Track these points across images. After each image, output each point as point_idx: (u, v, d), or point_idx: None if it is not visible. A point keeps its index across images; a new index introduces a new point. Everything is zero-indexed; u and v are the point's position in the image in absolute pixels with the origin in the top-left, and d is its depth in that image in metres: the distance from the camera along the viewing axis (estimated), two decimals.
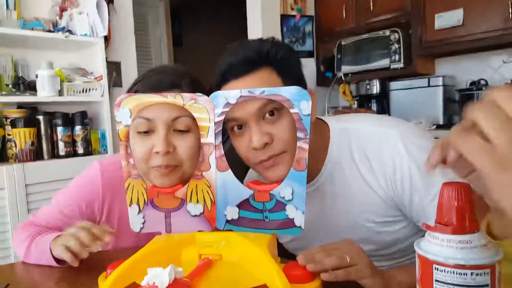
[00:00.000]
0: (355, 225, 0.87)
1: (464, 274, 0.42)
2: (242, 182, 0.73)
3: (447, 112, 2.80)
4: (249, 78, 0.77)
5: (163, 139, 0.74)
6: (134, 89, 0.83)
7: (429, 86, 2.83)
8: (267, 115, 0.74)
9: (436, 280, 0.44)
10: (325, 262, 0.61)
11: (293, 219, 0.69)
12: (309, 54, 3.36)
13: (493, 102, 0.32)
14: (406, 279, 0.67)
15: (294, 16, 3.24)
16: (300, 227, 0.69)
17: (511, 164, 0.31)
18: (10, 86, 2.12)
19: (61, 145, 2.18)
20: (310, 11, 3.37)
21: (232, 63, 0.78)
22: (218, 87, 0.81)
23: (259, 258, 0.62)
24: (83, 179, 0.98)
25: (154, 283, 0.51)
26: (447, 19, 2.63)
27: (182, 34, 5.00)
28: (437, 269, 0.43)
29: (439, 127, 2.70)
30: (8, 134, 2.06)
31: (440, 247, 0.44)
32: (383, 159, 0.82)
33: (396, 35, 2.88)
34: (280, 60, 0.78)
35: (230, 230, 0.73)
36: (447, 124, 2.79)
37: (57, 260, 0.83)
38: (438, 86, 2.79)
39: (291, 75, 0.79)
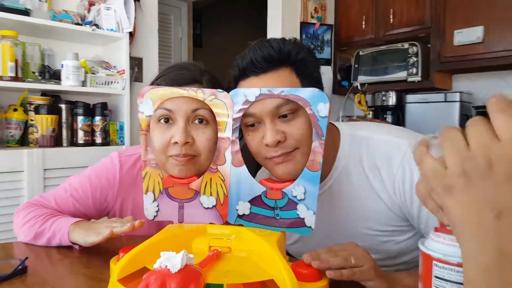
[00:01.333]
0: (359, 233, 0.87)
1: (461, 272, 0.43)
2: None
3: (462, 127, 2.77)
4: (269, 76, 0.78)
5: (183, 130, 0.77)
6: (156, 83, 0.86)
7: (445, 101, 2.81)
8: (282, 115, 0.75)
9: (435, 277, 0.45)
10: (330, 260, 0.62)
11: (303, 218, 0.70)
12: (327, 62, 3.38)
13: (460, 131, 0.36)
14: (411, 283, 0.68)
15: (313, 24, 3.26)
16: (310, 227, 0.70)
17: (455, 190, 0.34)
18: (36, 74, 2.19)
19: (80, 133, 2.24)
20: (330, 20, 3.39)
21: (254, 59, 0.78)
22: (236, 82, 0.82)
23: (268, 253, 0.63)
24: (101, 167, 0.99)
25: (166, 266, 0.53)
26: (466, 35, 2.62)
27: (202, 35, 5.06)
28: (437, 266, 0.45)
29: None
30: (31, 120, 2.13)
31: (442, 245, 0.45)
32: (392, 167, 0.82)
33: (415, 48, 2.88)
34: (300, 61, 0.79)
35: (241, 225, 0.75)
36: None
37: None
38: (455, 101, 2.76)
39: (310, 78, 0.80)
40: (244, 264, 0.65)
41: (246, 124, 0.79)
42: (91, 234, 0.81)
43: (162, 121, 0.79)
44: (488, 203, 0.32)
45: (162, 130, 0.79)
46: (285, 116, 0.75)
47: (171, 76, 0.86)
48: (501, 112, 0.32)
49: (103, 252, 0.82)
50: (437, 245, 0.46)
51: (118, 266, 0.63)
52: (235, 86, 0.82)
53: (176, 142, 0.77)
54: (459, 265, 0.43)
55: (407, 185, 0.80)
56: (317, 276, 0.62)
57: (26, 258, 0.72)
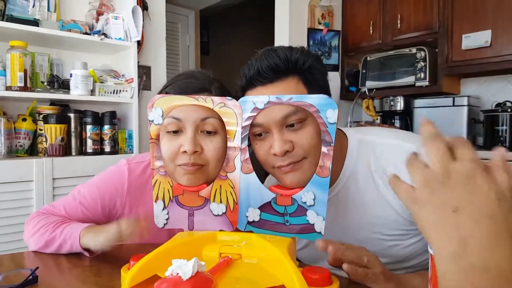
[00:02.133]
0: (366, 237, 0.87)
1: None
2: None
3: (471, 132, 2.76)
4: (275, 86, 0.78)
5: (191, 139, 0.77)
6: (165, 91, 0.86)
7: (453, 105, 2.80)
8: (290, 125, 0.75)
9: None
10: (345, 252, 0.64)
11: (313, 224, 0.70)
12: (334, 68, 3.38)
13: (422, 160, 0.45)
14: (420, 283, 0.68)
15: (321, 30, 3.27)
16: (320, 232, 0.70)
17: (420, 201, 0.43)
18: (45, 83, 2.21)
19: (89, 142, 2.25)
20: (337, 26, 3.40)
21: (260, 69, 0.78)
22: (243, 92, 0.82)
23: (278, 259, 0.63)
24: (110, 175, 0.99)
25: (177, 273, 0.53)
26: (474, 39, 2.61)
27: (210, 43, 5.10)
28: None
29: None
30: (40, 129, 2.15)
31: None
32: (400, 172, 0.81)
33: (423, 53, 2.87)
34: (307, 70, 0.79)
35: (251, 231, 0.74)
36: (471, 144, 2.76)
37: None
38: (463, 106, 2.76)
39: (317, 86, 0.80)
40: (254, 271, 0.65)
41: (253, 133, 0.78)
42: (100, 235, 0.82)
43: (171, 131, 0.78)
44: (447, 203, 0.40)
45: (170, 139, 0.79)
46: (292, 125, 0.75)
47: (179, 84, 0.86)
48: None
49: (113, 260, 0.82)
50: None
51: (129, 274, 0.63)
52: (242, 96, 0.82)
53: (185, 151, 0.77)
54: None
55: None
56: (327, 281, 0.62)
57: (37, 268, 0.72)
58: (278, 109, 0.73)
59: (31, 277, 0.70)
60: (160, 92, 0.86)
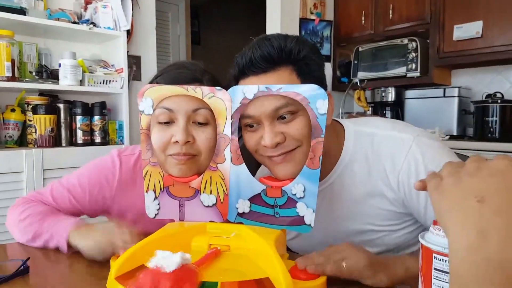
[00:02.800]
0: (359, 228, 0.88)
1: None
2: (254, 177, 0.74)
3: (461, 123, 2.79)
4: (268, 76, 0.76)
5: (183, 129, 0.76)
6: (156, 82, 0.85)
7: (444, 96, 2.83)
8: (281, 117, 0.74)
9: (435, 269, 0.46)
10: (325, 268, 0.64)
11: (303, 216, 0.70)
12: (326, 59, 3.37)
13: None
14: (414, 265, 0.67)
15: (313, 20, 3.26)
16: (309, 225, 0.70)
17: (444, 188, 0.43)
18: (34, 73, 2.18)
19: (79, 133, 2.23)
20: (329, 16, 3.38)
21: (253, 59, 0.76)
22: (236, 81, 0.81)
23: (265, 252, 0.64)
24: (101, 165, 0.98)
25: (161, 265, 0.52)
26: (466, 30, 2.62)
27: (200, 32, 5.05)
28: (436, 258, 0.46)
29: (452, 137, 2.70)
30: (29, 120, 2.13)
31: (441, 238, 0.46)
32: (396, 163, 0.81)
33: (414, 44, 2.88)
34: (302, 60, 0.77)
35: (241, 223, 0.75)
36: (461, 135, 2.78)
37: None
38: (454, 97, 2.78)
39: (312, 77, 0.78)
40: (242, 262, 0.66)
41: (244, 124, 0.78)
42: (94, 250, 0.78)
43: (162, 121, 0.77)
44: (472, 192, 0.40)
45: (162, 129, 0.78)
46: (284, 117, 0.74)
47: (171, 75, 0.85)
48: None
49: None
50: (437, 238, 0.47)
51: (116, 264, 0.63)
52: (235, 85, 0.81)
53: (177, 142, 0.76)
54: None
55: (413, 180, 0.79)
56: (314, 275, 0.63)
57: (28, 258, 0.72)
58: (269, 101, 0.72)
59: (22, 267, 0.70)
60: (151, 82, 0.85)
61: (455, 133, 2.76)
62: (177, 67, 0.89)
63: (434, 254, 0.46)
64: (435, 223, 0.48)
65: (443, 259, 0.46)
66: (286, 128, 0.75)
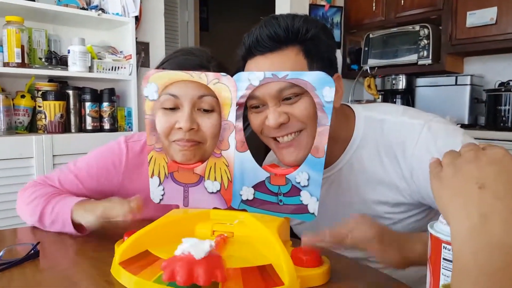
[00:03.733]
0: (367, 214, 0.87)
1: None
2: (260, 165, 0.74)
3: (473, 112, 2.75)
4: (275, 55, 0.75)
5: (188, 116, 0.76)
6: (162, 67, 0.84)
7: (456, 84, 2.78)
8: (286, 98, 0.74)
9: (443, 259, 0.46)
10: (326, 235, 0.62)
11: (307, 205, 0.70)
12: (336, 45, 3.33)
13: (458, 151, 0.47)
14: (422, 253, 0.63)
15: (323, 6, 3.21)
16: (313, 213, 0.70)
17: (445, 176, 0.44)
18: (43, 60, 2.19)
19: (88, 119, 2.25)
20: (340, 1, 3.33)
21: (259, 38, 0.75)
22: (244, 61, 0.80)
23: (267, 239, 0.64)
24: (108, 150, 0.98)
25: (189, 252, 0.52)
26: (479, 17, 2.56)
27: (209, 19, 5.02)
28: (445, 248, 0.45)
29: (463, 126, 2.65)
30: (39, 106, 2.15)
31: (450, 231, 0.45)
32: (408, 150, 0.79)
33: (426, 31, 2.83)
34: (309, 39, 0.76)
35: (244, 210, 0.75)
36: (473, 124, 2.74)
37: (75, 226, 0.84)
38: (466, 85, 2.73)
39: (320, 58, 0.77)
40: (245, 249, 0.66)
41: (250, 106, 0.78)
42: (90, 212, 0.81)
43: (167, 107, 0.77)
44: (473, 179, 0.41)
45: (166, 114, 0.78)
46: (289, 98, 0.74)
47: (177, 60, 0.85)
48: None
49: (112, 236, 0.83)
50: (446, 228, 0.46)
51: (120, 249, 0.64)
52: (243, 66, 0.81)
53: (181, 128, 0.76)
54: None
55: (425, 166, 0.77)
56: (317, 262, 0.63)
57: (38, 243, 0.73)
58: (274, 83, 0.72)
59: (32, 251, 0.71)
60: (157, 68, 0.85)
61: (466, 122, 2.73)
62: (184, 53, 0.88)
63: (443, 244, 0.46)
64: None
65: (452, 249, 0.44)
66: (290, 109, 0.74)
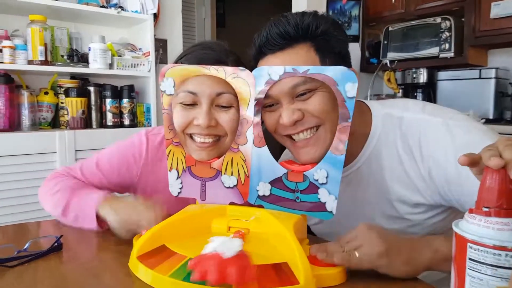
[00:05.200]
0: (385, 216, 0.85)
1: (498, 255, 0.42)
2: (277, 160, 0.73)
3: (498, 106, 2.66)
4: (285, 53, 0.74)
5: (206, 113, 0.76)
6: (180, 62, 0.84)
7: (480, 78, 2.70)
8: (300, 94, 0.72)
9: (469, 259, 0.44)
10: (334, 257, 0.60)
11: (325, 203, 0.68)
12: (355, 39, 3.28)
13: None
14: (444, 245, 0.62)
15: None
16: (331, 212, 0.68)
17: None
18: (65, 57, 2.23)
19: (109, 115, 2.29)
20: None
21: (269, 37, 0.75)
22: (255, 61, 0.80)
23: (283, 236, 0.63)
24: (128, 144, 1.00)
25: (220, 251, 0.51)
26: (504, 7, 2.48)
27: (226, 15, 5.01)
28: (471, 248, 0.44)
29: (488, 121, 2.57)
30: (62, 103, 2.20)
31: (477, 227, 0.44)
32: (426, 149, 0.77)
33: (448, 23, 2.75)
34: (320, 35, 0.74)
35: (261, 205, 0.74)
36: (497, 119, 2.66)
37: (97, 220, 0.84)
38: (490, 78, 2.65)
39: (331, 52, 0.75)
40: (260, 246, 0.66)
41: (264, 105, 0.77)
42: (120, 224, 0.79)
43: (186, 103, 0.78)
44: None
45: (185, 110, 0.79)
46: (303, 94, 0.73)
47: (195, 55, 0.85)
48: None
49: None
50: (472, 227, 0.45)
51: (138, 244, 0.65)
52: (255, 66, 0.80)
53: (199, 125, 0.77)
54: (495, 247, 0.43)
55: (443, 164, 0.75)
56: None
57: (61, 235, 0.75)
58: (286, 79, 0.71)
59: (56, 244, 0.73)
60: (175, 62, 0.85)
61: (491, 117, 2.65)
62: (202, 47, 0.88)
63: (468, 244, 0.44)
64: (470, 211, 0.46)
65: (478, 249, 0.44)
66: (304, 105, 0.73)
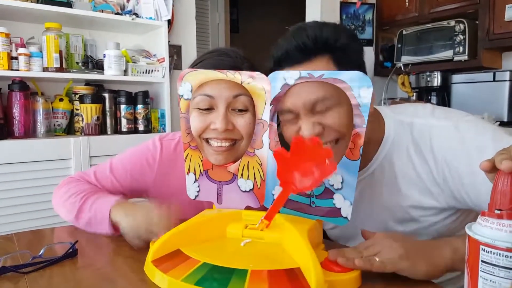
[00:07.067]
0: (398, 219, 0.85)
1: (511, 257, 0.43)
2: None
3: None
4: (304, 67, 0.74)
5: (223, 117, 0.76)
6: (196, 67, 0.85)
7: (494, 80, 2.67)
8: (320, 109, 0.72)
9: (482, 261, 0.45)
10: (356, 262, 0.60)
11: (340, 208, 0.68)
12: (368, 43, 3.27)
13: None
14: (464, 246, 0.63)
15: (354, 3, 3.16)
16: (346, 217, 0.68)
17: None
18: (80, 64, 2.26)
19: (123, 121, 2.30)
20: None
21: (288, 50, 0.75)
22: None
23: (297, 242, 0.63)
24: (143, 149, 1.00)
25: None
26: None
27: (239, 20, 5.04)
28: (484, 250, 0.44)
29: (502, 124, 2.55)
30: (76, 109, 2.22)
31: (489, 230, 0.45)
32: (438, 153, 0.77)
33: (462, 26, 2.73)
34: (339, 48, 0.75)
35: None
36: None
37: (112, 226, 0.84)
38: (505, 81, 2.62)
39: (349, 64, 0.75)
40: (274, 251, 0.66)
41: (283, 118, 0.77)
42: (132, 231, 0.78)
43: (202, 107, 0.78)
44: None
45: (201, 115, 0.79)
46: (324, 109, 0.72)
47: (211, 61, 0.85)
48: None
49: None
50: (485, 230, 0.45)
51: (153, 248, 0.66)
52: None
53: (216, 129, 0.77)
54: (508, 250, 0.43)
55: (456, 166, 0.74)
56: (347, 267, 0.61)
57: (76, 241, 0.75)
58: (307, 93, 0.71)
59: (71, 250, 0.74)
60: (191, 67, 0.85)
61: (505, 119, 2.61)
62: (219, 53, 0.88)
63: (481, 246, 0.45)
64: (483, 214, 0.46)
65: (491, 251, 0.44)
66: (323, 119, 0.72)
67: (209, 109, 0.78)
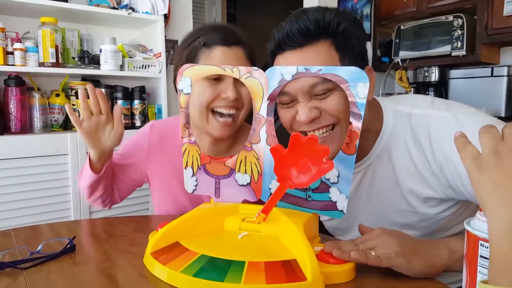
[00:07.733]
0: (397, 210, 0.85)
1: None
2: None
3: (510, 104, 2.63)
4: (305, 50, 0.74)
5: (234, 87, 0.87)
6: (198, 41, 0.90)
7: (492, 76, 2.68)
8: (317, 94, 0.73)
9: (480, 256, 0.45)
10: (351, 255, 0.60)
11: (335, 202, 0.69)
12: (367, 38, 3.27)
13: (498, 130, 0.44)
14: (461, 245, 0.61)
15: None
16: (342, 211, 0.69)
17: (486, 167, 0.42)
18: (76, 59, 2.25)
19: None
20: None
21: (290, 32, 0.74)
22: (273, 56, 0.79)
23: (293, 234, 0.64)
24: (138, 134, 1.10)
25: None
26: None
27: (237, 15, 5.03)
28: (483, 245, 0.45)
29: (500, 119, 2.53)
30: (73, 104, 2.20)
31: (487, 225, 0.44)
32: (436, 144, 0.77)
33: (460, 21, 2.73)
34: (341, 33, 0.74)
35: None
36: (510, 117, 2.63)
37: (92, 168, 0.98)
38: (503, 76, 2.62)
39: (351, 51, 0.75)
40: (270, 244, 0.67)
41: (280, 102, 0.77)
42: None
43: (211, 78, 0.85)
44: None
45: (211, 85, 0.87)
46: (322, 94, 0.73)
47: (215, 35, 0.91)
48: None
49: (145, 232, 0.85)
50: (483, 225, 0.45)
51: (152, 240, 0.66)
52: (272, 61, 0.80)
53: (227, 97, 0.86)
54: None
55: (454, 162, 0.74)
56: (342, 259, 0.62)
57: (74, 237, 0.75)
58: (305, 78, 0.71)
59: (69, 245, 0.73)
60: (187, 42, 0.94)
61: (503, 115, 2.62)
62: (219, 27, 0.96)
63: (480, 241, 0.45)
64: (481, 209, 0.46)
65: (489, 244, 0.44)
66: (321, 104, 0.73)
67: (218, 79, 0.86)
